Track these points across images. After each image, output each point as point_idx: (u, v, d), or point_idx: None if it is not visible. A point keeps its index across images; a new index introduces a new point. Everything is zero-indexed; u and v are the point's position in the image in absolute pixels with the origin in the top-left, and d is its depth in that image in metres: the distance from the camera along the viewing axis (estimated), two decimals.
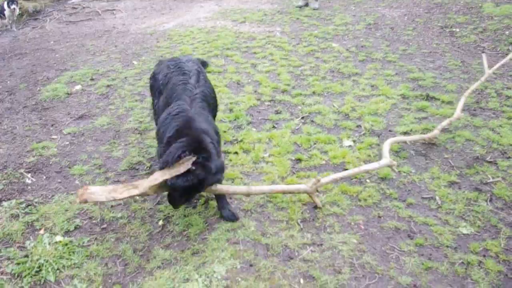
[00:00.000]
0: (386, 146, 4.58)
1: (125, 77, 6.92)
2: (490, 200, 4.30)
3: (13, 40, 9.71)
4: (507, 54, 7.65)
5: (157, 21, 10.12)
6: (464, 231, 3.94)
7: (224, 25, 9.50)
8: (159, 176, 3.40)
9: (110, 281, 3.43)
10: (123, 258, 3.65)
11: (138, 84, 6.65)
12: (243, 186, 3.96)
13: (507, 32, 8.71)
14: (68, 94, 6.52)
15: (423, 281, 3.43)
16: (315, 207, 4.12)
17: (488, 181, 4.55)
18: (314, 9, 10.44)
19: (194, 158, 3.39)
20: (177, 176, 3.35)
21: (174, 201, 3.64)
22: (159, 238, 3.82)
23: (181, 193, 3.49)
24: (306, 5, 10.74)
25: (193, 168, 3.37)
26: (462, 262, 3.61)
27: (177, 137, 3.57)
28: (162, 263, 3.56)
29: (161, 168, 3.47)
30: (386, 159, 4.35)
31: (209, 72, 6.92)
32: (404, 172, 4.64)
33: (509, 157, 4.92)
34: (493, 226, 4.00)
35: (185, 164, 3.36)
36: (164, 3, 11.78)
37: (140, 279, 3.46)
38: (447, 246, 3.76)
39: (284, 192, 4.11)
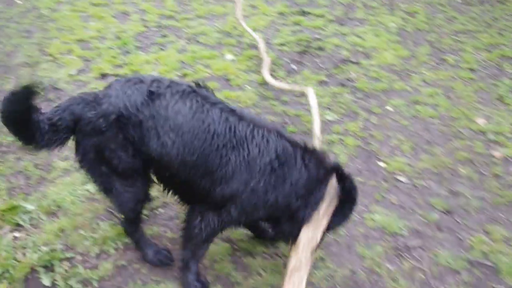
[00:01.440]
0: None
1: (10, 17, 6.78)
2: (353, 93, 5.01)
3: None
4: None
5: None
6: (329, 118, 4.62)
7: None
8: (312, 230, 2.61)
9: (14, 192, 3.71)
10: (24, 173, 3.91)
11: (24, 22, 6.56)
12: None
13: None
14: None
15: None
16: None
17: (352, 77, 5.25)
18: None
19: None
20: (336, 212, 2.65)
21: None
22: (57, 153, 4.10)
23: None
24: None
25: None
26: (327, 141, 4.29)
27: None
28: (63, 173, 3.89)
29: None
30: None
31: (95, 4, 6.98)
32: (280, 77, 5.20)
33: (370, 57, 5.65)
34: (353, 112, 4.72)
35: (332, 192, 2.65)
36: None
37: (43, 188, 3.77)
38: None
39: None
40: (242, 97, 4.82)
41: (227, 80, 5.13)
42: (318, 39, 5.97)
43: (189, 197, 2.91)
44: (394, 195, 3.78)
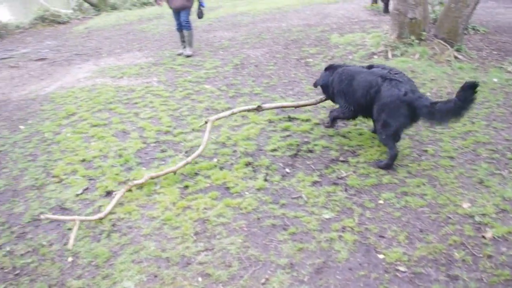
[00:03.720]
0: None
1: (14, 142, 7.20)
2: (345, 190, 5.32)
3: None
4: None
5: (38, 86, 10.31)
6: (327, 216, 4.88)
7: (104, 82, 10.02)
8: None
9: None
10: None
11: (28, 146, 6.96)
12: None
13: (350, 57, 10.30)
14: None
15: (297, 259, 4.27)
16: (204, 221, 4.84)
17: (343, 175, 5.60)
18: (187, 56, 11.32)
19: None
20: None
21: None
22: (70, 272, 4.27)
23: None
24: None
25: None
26: (327, 239, 4.51)
27: None
28: None
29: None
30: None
31: (95, 125, 7.45)
32: (276, 181, 5.53)
33: (358, 155, 6.05)
34: (348, 208, 4.99)
35: None
36: (41, 69, 11.93)
37: None
38: (314, 230, 4.66)
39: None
40: (242, 203, 5.11)
41: (227, 188, 5.44)
42: (307, 142, 6.41)
43: None
44: (397, 285, 3.95)
